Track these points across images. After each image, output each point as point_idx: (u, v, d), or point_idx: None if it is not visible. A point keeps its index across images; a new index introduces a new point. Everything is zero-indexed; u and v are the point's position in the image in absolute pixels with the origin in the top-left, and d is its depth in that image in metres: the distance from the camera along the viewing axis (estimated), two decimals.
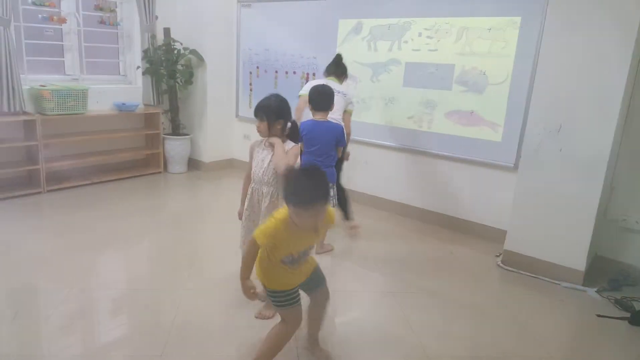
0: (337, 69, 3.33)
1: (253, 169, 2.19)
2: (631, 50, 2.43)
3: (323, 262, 2.89)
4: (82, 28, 4.34)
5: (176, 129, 4.77)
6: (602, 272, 2.88)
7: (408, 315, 2.36)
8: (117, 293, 2.41)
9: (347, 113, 3.20)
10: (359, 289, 2.63)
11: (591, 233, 2.69)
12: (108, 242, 3.05)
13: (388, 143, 3.83)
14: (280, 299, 1.71)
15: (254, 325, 2.13)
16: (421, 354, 2.02)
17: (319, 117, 2.75)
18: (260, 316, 2.19)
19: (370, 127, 3.88)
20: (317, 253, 2.95)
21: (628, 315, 2.45)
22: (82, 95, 4.05)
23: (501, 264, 3.01)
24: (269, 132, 2.13)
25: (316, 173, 1.59)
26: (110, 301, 2.33)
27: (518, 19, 3.06)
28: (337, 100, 3.22)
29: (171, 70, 4.55)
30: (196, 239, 3.22)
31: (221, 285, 2.47)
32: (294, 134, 2.19)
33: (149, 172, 4.66)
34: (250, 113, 4.75)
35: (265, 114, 2.10)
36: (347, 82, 3.51)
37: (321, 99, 2.74)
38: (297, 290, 1.76)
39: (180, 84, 4.64)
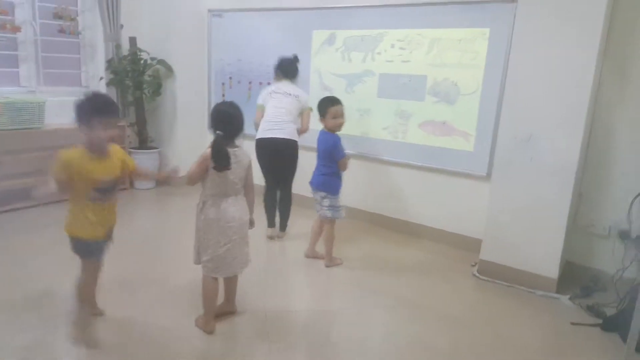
0: (291, 70, 3.37)
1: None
2: (594, 61, 2.51)
3: (302, 273, 2.82)
4: (39, 37, 4.12)
5: (143, 143, 4.58)
6: (573, 278, 2.95)
7: (385, 325, 2.35)
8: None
9: (305, 113, 3.30)
10: (335, 301, 2.58)
11: (563, 240, 2.75)
12: (67, 264, 2.85)
13: (364, 154, 3.81)
14: (78, 247, 1.96)
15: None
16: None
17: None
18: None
19: (346, 138, 3.82)
20: (327, 266, 2.98)
21: (600, 321, 2.50)
22: (38, 109, 3.81)
23: (477, 274, 3.03)
24: None
25: (99, 94, 1.93)
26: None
27: (487, 31, 3.12)
28: (291, 103, 3.26)
29: (138, 81, 4.38)
30: (162, 259, 3.05)
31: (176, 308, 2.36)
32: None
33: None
34: None
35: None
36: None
37: None
38: (96, 245, 1.98)
39: (148, 95, 4.47)
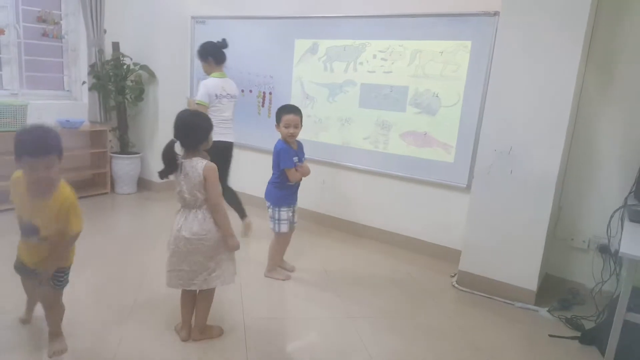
0: (223, 57, 3.47)
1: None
2: (576, 74, 2.53)
3: (274, 283, 2.75)
4: (23, 40, 4.07)
5: (125, 148, 4.52)
6: (552, 291, 2.93)
7: (363, 337, 2.30)
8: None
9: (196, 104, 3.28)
10: (314, 312, 2.52)
11: (542, 253, 2.74)
12: None
13: (345, 163, 3.79)
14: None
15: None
16: None
17: None
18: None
19: (327, 147, 3.84)
20: (266, 275, 2.89)
21: (578, 334, 2.48)
22: (20, 112, 3.75)
23: (456, 285, 3.00)
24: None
25: (35, 129, 1.73)
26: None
27: (469, 43, 3.14)
28: (230, 108, 3.46)
29: (120, 86, 4.34)
30: (142, 265, 2.99)
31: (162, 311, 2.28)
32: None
33: (94, 193, 4.36)
34: None
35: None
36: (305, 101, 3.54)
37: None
38: (23, 266, 1.92)
39: (130, 100, 4.43)
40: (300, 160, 2.78)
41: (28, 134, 1.70)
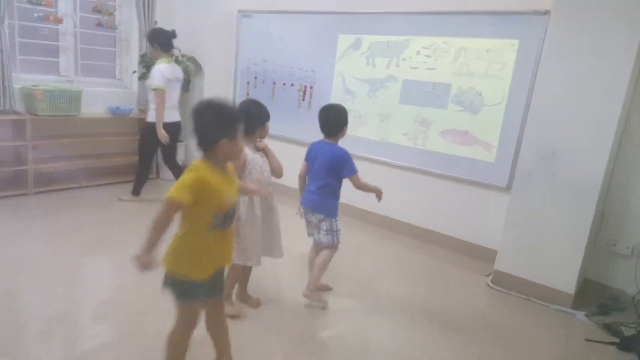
0: (171, 45, 3.69)
1: (259, 177, 2.17)
2: (628, 77, 2.47)
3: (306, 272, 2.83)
4: (79, 29, 4.30)
5: None
6: (591, 296, 2.89)
7: (392, 331, 2.35)
8: (102, 299, 2.35)
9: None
10: (344, 303, 2.58)
11: (582, 257, 2.71)
12: (94, 248, 2.98)
13: (382, 159, 3.83)
14: (183, 289, 1.52)
15: None
16: None
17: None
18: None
19: (366, 143, 3.89)
20: (305, 296, 2.47)
21: (617, 340, 2.45)
22: (75, 97, 4.00)
23: (491, 284, 3.01)
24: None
25: (223, 101, 1.56)
26: (94, 307, 2.27)
27: (516, 42, 3.11)
28: (178, 90, 3.71)
29: None
30: None
31: None
32: None
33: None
34: None
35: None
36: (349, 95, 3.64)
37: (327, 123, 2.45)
38: (205, 285, 1.56)
39: None
40: None
41: (231, 107, 1.57)
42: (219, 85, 4.77)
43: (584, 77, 2.59)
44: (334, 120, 2.44)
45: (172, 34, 3.69)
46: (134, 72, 4.58)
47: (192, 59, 4.58)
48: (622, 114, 2.59)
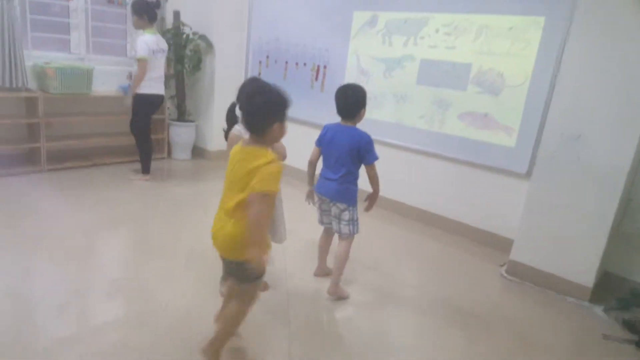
0: (156, 16, 3.66)
1: None
2: None
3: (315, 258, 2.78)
4: (90, 6, 4.25)
5: (182, 115, 4.68)
6: (610, 289, 2.76)
7: (403, 319, 2.31)
8: (112, 278, 2.37)
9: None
10: (355, 289, 2.53)
11: (603, 248, 2.58)
12: (105, 226, 3.01)
13: (397, 142, 3.71)
14: (256, 270, 1.53)
15: None
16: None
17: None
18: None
19: (381, 125, 3.77)
20: (330, 293, 2.38)
21: (636, 338, 2.34)
22: (87, 75, 3.97)
23: (505, 274, 2.91)
24: None
25: (274, 85, 1.58)
26: (105, 285, 2.29)
27: (542, 19, 2.91)
28: (163, 62, 3.71)
29: (179, 55, 4.45)
30: (195, 230, 3.14)
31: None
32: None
33: (153, 157, 4.56)
34: None
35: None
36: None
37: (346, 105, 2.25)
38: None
39: (188, 69, 4.54)
40: None
41: (281, 91, 1.55)
42: (231, 65, 4.68)
43: (613, 57, 2.41)
44: (353, 100, 2.24)
45: (157, 4, 3.70)
46: None
47: (203, 37, 4.49)
48: None
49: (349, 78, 3.88)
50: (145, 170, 3.94)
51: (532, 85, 3.01)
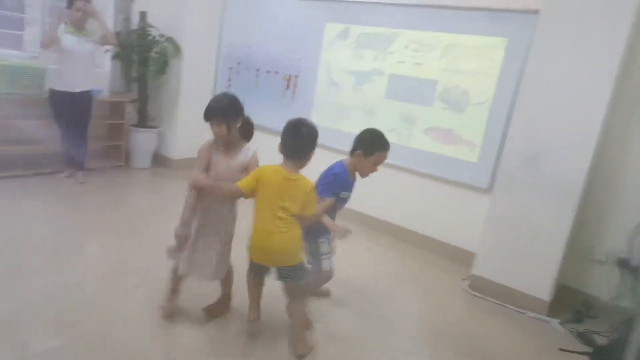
0: None
1: (215, 177, 1.96)
2: (613, 80, 2.43)
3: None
4: (49, 2, 4.02)
5: (143, 120, 4.50)
6: (566, 302, 2.87)
7: (371, 335, 2.27)
8: (54, 296, 2.17)
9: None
10: (318, 305, 2.46)
11: (559, 263, 2.68)
12: (49, 241, 2.79)
13: None
14: (305, 270, 1.99)
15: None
16: None
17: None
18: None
19: (350, 137, 3.74)
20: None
21: (590, 350, 2.43)
22: (39, 75, 3.73)
23: (468, 289, 2.96)
24: (229, 134, 1.96)
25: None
26: (43, 308, 2.09)
27: (505, 40, 3.04)
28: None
29: (143, 57, 4.29)
30: (148, 245, 2.91)
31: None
32: (246, 130, 2.03)
33: (108, 165, 4.35)
34: None
35: (223, 116, 1.92)
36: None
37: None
38: None
39: (152, 72, 4.38)
40: (349, 198, 2.26)
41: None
42: (199, 70, 4.56)
43: (570, 78, 2.54)
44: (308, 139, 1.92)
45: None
46: (107, 50, 4.31)
47: (170, 40, 4.35)
48: (606, 119, 2.56)
49: (320, 88, 3.88)
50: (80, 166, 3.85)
51: (494, 104, 3.11)
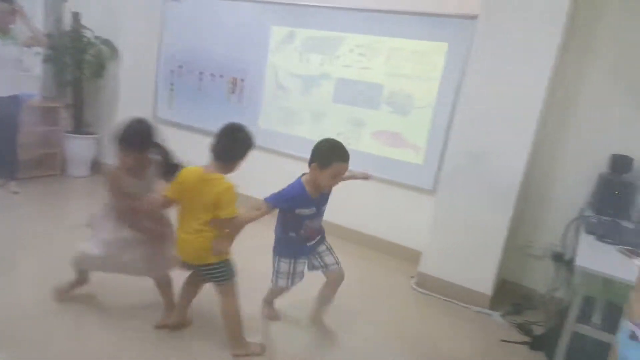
0: None
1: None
2: (547, 80, 2.57)
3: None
4: None
5: (79, 127, 4.24)
6: (507, 296, 3.01)
7: (320, 334, 2.28)
8: None
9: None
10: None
11: (499, 258, 2.80)
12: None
13: None
14: (231, 269, 1.94)
15: None
16: None
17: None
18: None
19: (300, 141, 3.76)
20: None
21: (528, 340, 2.56)
22: None
23: (415, 286, 3.02)
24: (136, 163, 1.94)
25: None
26: None
27: (445, 45, 3.14)
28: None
29: (77, 60, 4.04)
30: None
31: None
32: (167, 170, 1.98)
33: (43, 174, 4.06)
34: (171, 115, 4.40)
35: (129, 145, 1.89)
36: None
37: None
38: None
39: (87, 76, 4.14)
40: (317, 213, 2.09)
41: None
42: (138, 73, 4.36)
43: (507, 80, 2.66)
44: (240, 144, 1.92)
45: None
46: (37, 53, 4.03)
47: (107, 42, 4.13)
48: (541, 120, 2.70)
49: (268, 92, 3.83)
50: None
51: (437, 107, 3.21)
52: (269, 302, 2.37)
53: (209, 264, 1.88)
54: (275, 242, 2.15)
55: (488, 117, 2.73)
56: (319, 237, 2.20)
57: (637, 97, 2.68)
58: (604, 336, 1.83)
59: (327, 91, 3.60)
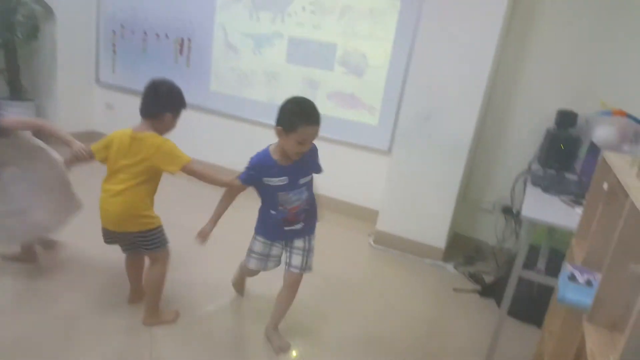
0: None
1: None
2: (496, 38, 2.60)
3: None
4: None
5: (16, 93, 3.91)
6: (459, 248, 3.15)
7: (277, 289, 2.25)
8: None
9: None
10: (226, 271, 2.38)
11: (452, 213, 2.90)
12: None
13: (270, 122, 3.60)
14: (164, 235, 1.88)
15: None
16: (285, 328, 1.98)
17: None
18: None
19: (253, 104, 3.65)
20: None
21: (479, 288, 2.70)
22: None
23: (372, 243, 3.10)
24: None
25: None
26: None
27: (398, 3, 3.08)
28: None
29: (8, 22, 3.68)
30: None
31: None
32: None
33: None
34: (114, 79, 4.14)
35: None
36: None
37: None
38: None
39: (20, 38, 3.79)
40: (290, 185, 1.82)
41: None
42: (77, 34, 4.04)
43: (457, 39, 2.67)
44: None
45: None
46: None
47: (39, 1, 3.77)
48: (490, 78, 2.75)
49: (217, 53, 3.67)
50: None
51: (391, 67, 3.19)
52: (237, 282, 2.27)
53: (147, 230, 1.80)
54: (257, 219, 1.99)
55: (439, 78, 2.75)
56: (301, 226, 1.91)
57: (584, 52, 2.75)
58: (548, 280, 1.94)
59: (280, 51, 3.48)
